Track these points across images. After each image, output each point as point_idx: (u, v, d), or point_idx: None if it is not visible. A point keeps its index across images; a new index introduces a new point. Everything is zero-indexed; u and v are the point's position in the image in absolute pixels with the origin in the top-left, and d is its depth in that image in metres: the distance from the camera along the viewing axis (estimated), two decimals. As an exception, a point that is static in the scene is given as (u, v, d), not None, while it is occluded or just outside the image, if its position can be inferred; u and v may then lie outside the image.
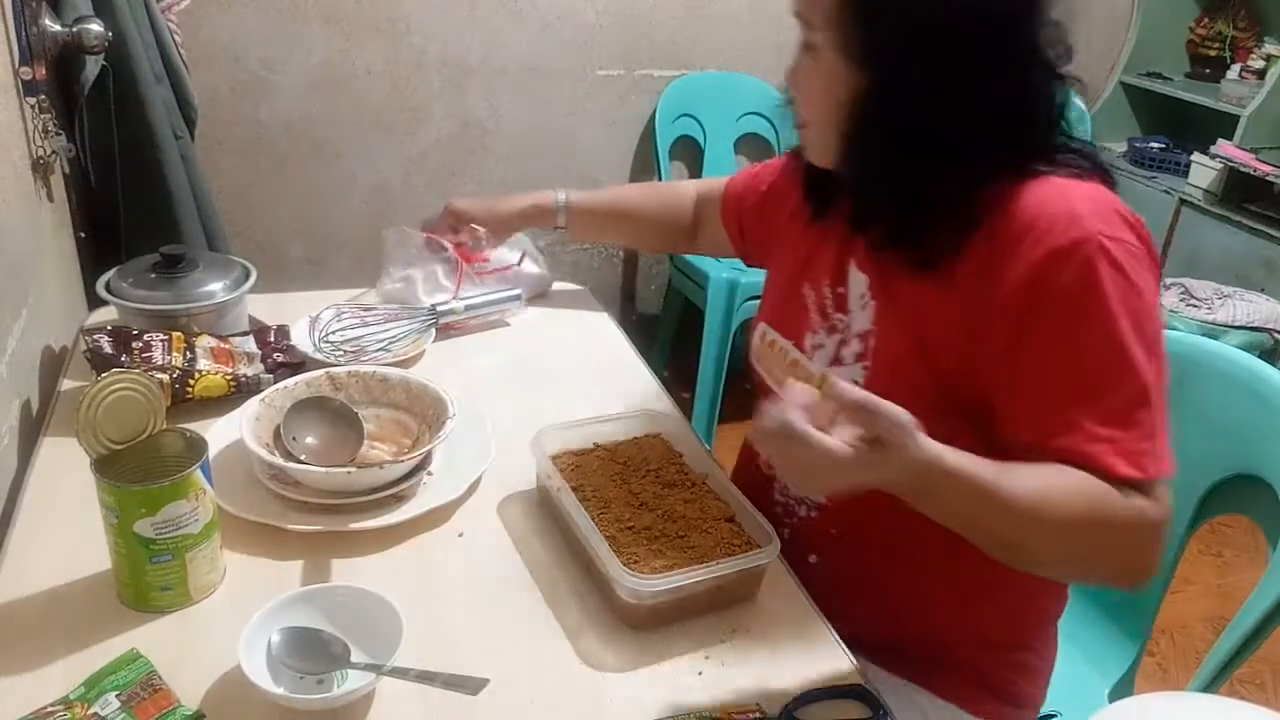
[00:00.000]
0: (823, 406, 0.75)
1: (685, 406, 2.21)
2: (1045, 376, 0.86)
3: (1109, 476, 0.83)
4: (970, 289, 0.89)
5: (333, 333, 1.27)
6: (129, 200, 1.64)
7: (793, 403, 0.75)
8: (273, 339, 1.27)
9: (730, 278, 2.45)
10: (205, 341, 1.20)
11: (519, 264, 1.49)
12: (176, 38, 1.83)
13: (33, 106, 1.30)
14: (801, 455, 0.74)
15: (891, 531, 0.95)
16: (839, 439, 0.73)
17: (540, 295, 1.52)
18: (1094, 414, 0.84)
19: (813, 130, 0.97)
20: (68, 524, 0.94)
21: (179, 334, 1.19)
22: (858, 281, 1.00)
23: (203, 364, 1.15)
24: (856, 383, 0.95)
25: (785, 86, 0.98)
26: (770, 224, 1.20)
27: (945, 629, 1.02)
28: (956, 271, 0.89)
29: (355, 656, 0.80)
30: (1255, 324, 2.51)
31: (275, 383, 1.10)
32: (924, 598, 1.01)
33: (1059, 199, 0.86)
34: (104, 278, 1.25)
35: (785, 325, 1.08)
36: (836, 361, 0.99)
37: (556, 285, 1.56)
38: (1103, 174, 0.91)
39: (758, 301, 2.74)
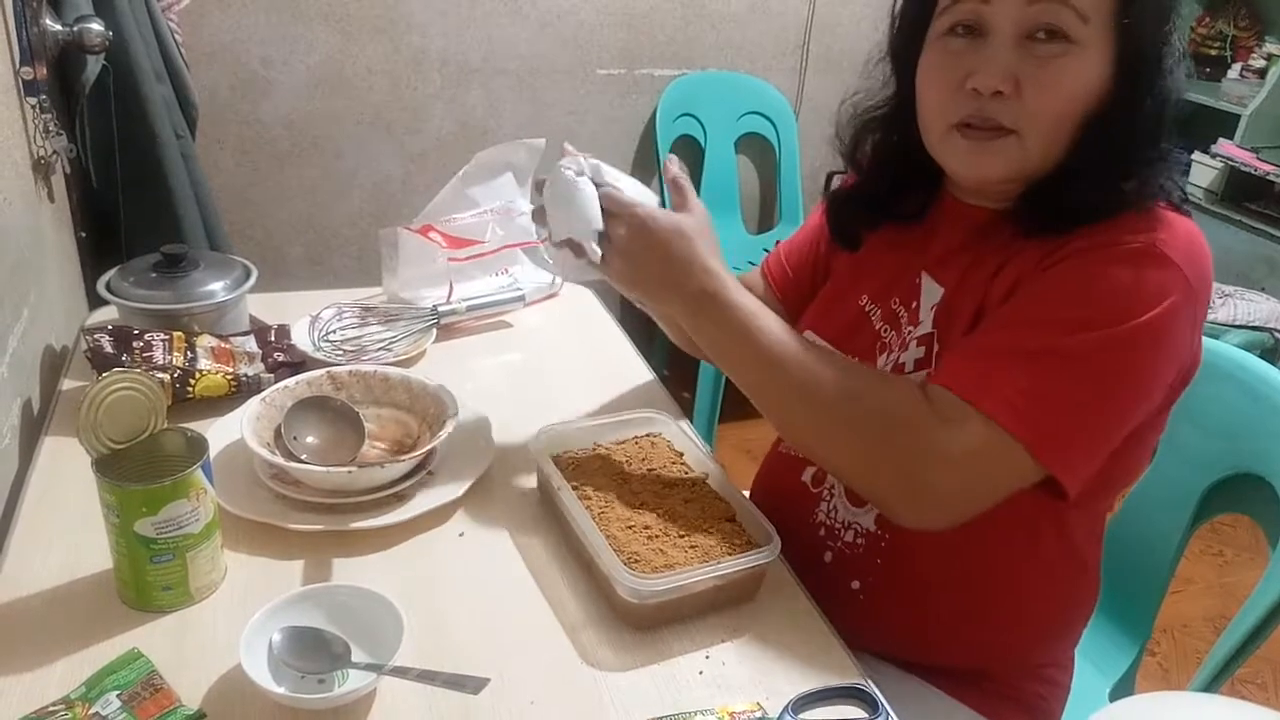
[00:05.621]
0: None
1: (685, 406, 2.21)
2: (991, 322, 0.87)
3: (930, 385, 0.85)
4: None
5: (333, 332, 1.28)
6: (130, 199, 1.64)
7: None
8: (273, 338, 1.27)
9: (731, 277, 2.44)
10: (206, 341, 1.20)
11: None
12: (177, 37, 1.84)
13: (33, 106, 1.30)
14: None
15: (935, 566, 0.95)
16: None
17: (550, 296, 1.52)
18: (982, 345, 0.85)
19: (1033, 134, 0.86)
20: (69, 523, 0.94)
21: (180, 333, 1.19)
22: (931, 292, 0.97)
23: (203, 363, 1.15)
24: None
25: (990, 86, 0.85)
26: (824, 273, 1.15)
27: (983, 653, 1.02)
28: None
29: (356, 656, 0.80)
30: (1255, 323, 2.51)
31: (276, 382, 1.10)
32: (965, 626, 1.00)
33: (1164, 226, 0.85)
34: (105, 277, 1.25)
35: (846, 343, 1.03)
36: (898, 369, 0.97)
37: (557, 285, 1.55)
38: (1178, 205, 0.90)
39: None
